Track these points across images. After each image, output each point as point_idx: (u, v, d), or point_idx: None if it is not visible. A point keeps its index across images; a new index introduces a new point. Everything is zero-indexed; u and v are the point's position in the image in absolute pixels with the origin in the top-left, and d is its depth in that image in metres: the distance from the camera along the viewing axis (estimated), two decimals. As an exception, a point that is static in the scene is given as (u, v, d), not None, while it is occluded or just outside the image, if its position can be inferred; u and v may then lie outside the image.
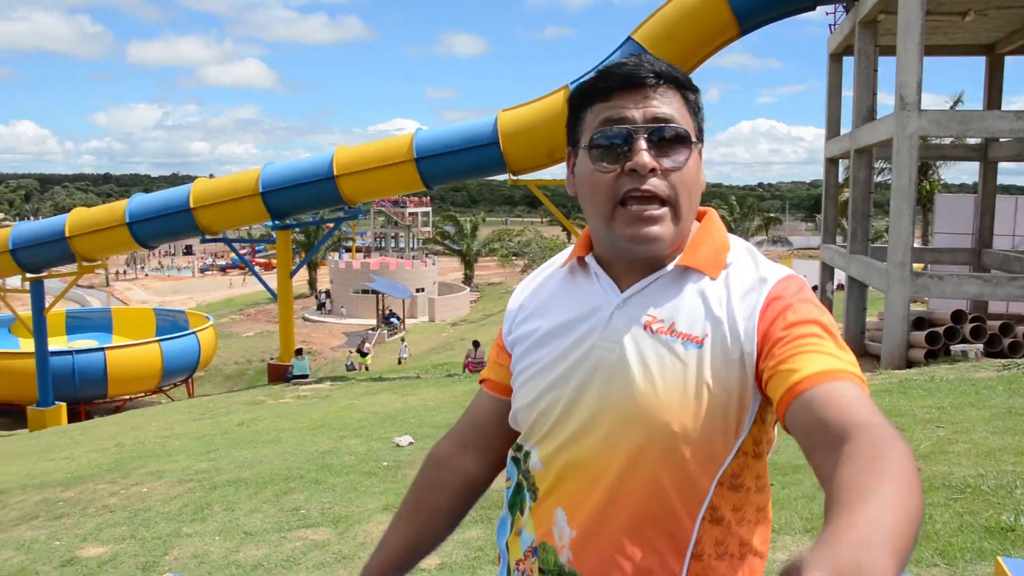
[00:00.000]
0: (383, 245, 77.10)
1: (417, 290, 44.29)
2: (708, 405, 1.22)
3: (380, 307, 40.67)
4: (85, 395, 24.44)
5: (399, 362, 27.78)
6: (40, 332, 20.76)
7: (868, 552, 0.77)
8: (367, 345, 29.64)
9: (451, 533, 1.58)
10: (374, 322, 40.23)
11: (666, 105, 1.26)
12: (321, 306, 46.72)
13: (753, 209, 53.65)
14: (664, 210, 1.25)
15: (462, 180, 21.17)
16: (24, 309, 23.20)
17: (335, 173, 18.34)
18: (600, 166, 1.26)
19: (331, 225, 26.82)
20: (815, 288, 31.42)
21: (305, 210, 21.42)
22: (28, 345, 23.31)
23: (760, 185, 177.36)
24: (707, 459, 1.23)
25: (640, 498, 1.25)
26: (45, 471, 9.71)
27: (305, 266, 49.34)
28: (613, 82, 1.26)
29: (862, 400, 1.05)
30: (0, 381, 23.99)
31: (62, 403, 21.25)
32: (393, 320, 40.01)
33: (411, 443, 8.16)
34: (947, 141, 24.12)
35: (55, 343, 24.45)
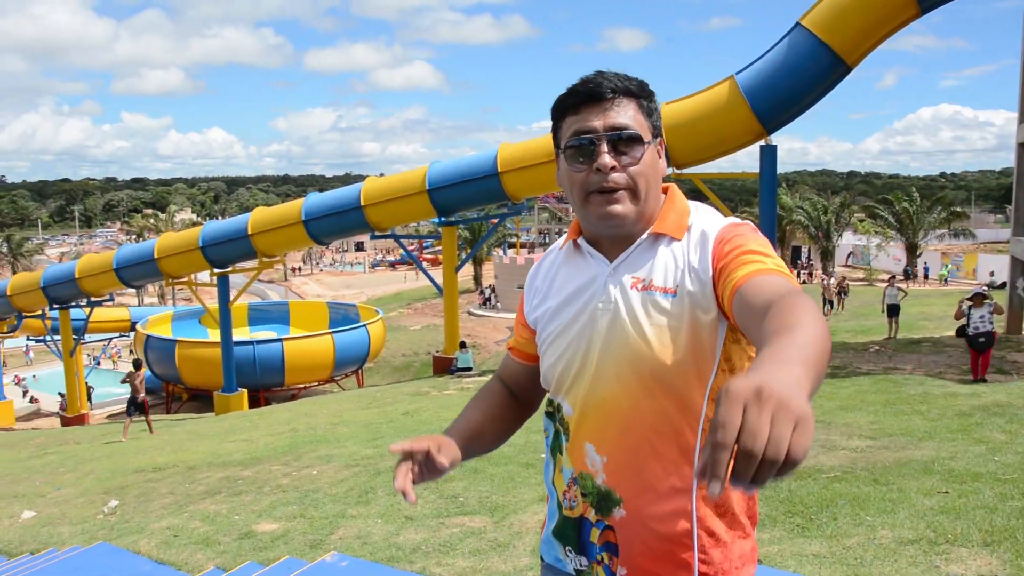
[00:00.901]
0: (547, 241, 77.71)
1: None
2: (688, 339, 1.54)
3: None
4: (264, 382, 25.98)
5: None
6: (225, 323, 22.20)
7: (784, 366, 1.03)
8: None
9: (503, 440, 1.93)
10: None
11: (623, 114, 1.59)
12: (486, 301, 47.57)
13: (941, 201, 50.24)
14: (623, 192, 1.58)
15: (469, 208, 21.36)
16: (212, 302, 24.90)
17: (499, 170, 18.60)
18: (574, 167, 1.61)
19: (495, 221, 27.22)
20: (1002, 285, 29.21)
21: (470, 206, 21.85)
22: (215, 335, 24.97)
23: (943, 175, 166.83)
24: (695, 381, 1.55)
25: (650, 421, 1.57)
26: (228, 451, 10.39)
27: (470, 261, 50.43)
28: (579, 98, 1.61)
29: (783, 283, 1.38)
30: (192, 368, 25.86)
31: (244, 390, 22.66)
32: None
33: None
34: None
35: (238, 334, 26.07)
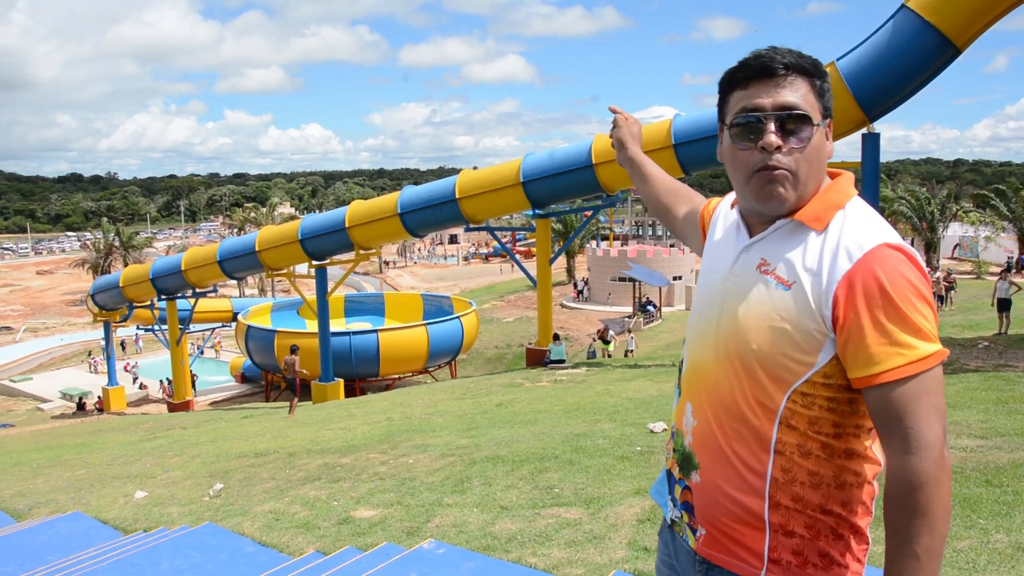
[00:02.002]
0: (640, 233, 77.05)
1: (674, 278, 43.79)
2: (782, 335, 1.53)
3: (637, 295, 40.66)
4: (360, 373, 26.49)
5: (625, 355, 27.26)
6: (323, 314, 22.70)
7: None
8: (610, 332, 29.36)
9: (641, 191, 2.28)
10: (631, 310, 40.31)
11: (794, 93, 1.56)
12: (579, 293, 47.45)
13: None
14: (784, 172, 1.56)
15: (719, 166, 20.60)
16: (310, 294, 25.51)
17: (593, 162, 18.47)
18: (738, 144, 1.60)
19: (589, 213, 27.10)
20: None
21: (564, 198, 21.77)
22: (313, 326, 25.58)
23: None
24: (778, 378, 1.55)
25: (729, 399, 1.61)
26: (326, 439, 10.61)
27: (563, 254, 50.37)
28: (750, 72, 1.59)
29: (915, 407, 1.42)
30: (291, 358, 26.56)
31: (340, 379, 23.13)
32: (650, 308, 39.84)
33: (664, 429, 8.06)
34: None
35: (335, 325, 26.63)
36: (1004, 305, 18.62)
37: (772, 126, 1.54)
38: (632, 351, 27.63)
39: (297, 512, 6.29)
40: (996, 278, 20.49)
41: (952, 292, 28.05)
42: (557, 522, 5.11)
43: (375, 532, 5.40)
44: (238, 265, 24.51)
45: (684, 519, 1.72)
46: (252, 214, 72.41)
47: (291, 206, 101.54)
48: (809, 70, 1.58)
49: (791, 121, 1.54)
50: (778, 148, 1.54)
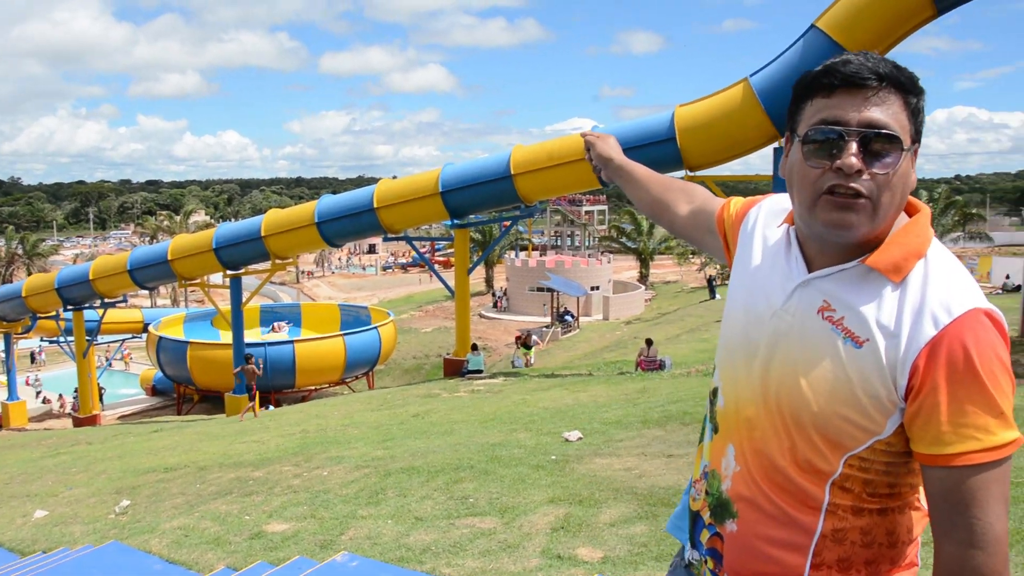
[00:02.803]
0: (559, 243, 77.71)
1: (592, 288, 44.27)
2: (848, 401, 1.35)
3: (555, 305, 40.98)
4: (276, 384, 26.08)
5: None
6: (238, 325, 22.27)
7: None
8: (533, 337, 29.33)
9: (645, 200, 2.08)
10: (548, 320, 40.60)
11: (883, 110, 1.34)
12: (497, 303, 47.59)
13: (955, 204, 50.03)
14: (864, 201, 1.33)
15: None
16: (224, 304, 25.00)
17: (512, 172, 18.57)
18: (811, 161, 1.37)
19: (508, 224, 27.22)
20: (1018, 288, 28.96)
21: (482, 209, 21.83)
22: (227, 337, 25.04)
23: (957, 177, 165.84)
24: (836, 443, 1.38)
25: (776, 454, 1.44)
26: (239, 452, 10.41)
27: (482, 264, 50.47)
28: (835, 79, 1.35)
29: (984, 498, 1.26)
30: (203, 369, 25.97)
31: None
32: (567, 318, 40.20)
33: (580, 438, 8.16)
34: None
35: (250, 336, 26.17)
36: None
37: (855, 145, 1.33)
38: (531, 363, 27.33)
39: (207, 528, 6.17)
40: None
41: None
42: (472, 532, 5.13)
43: (287, 546, 5.33)
44: (150, 275, 23.85)
45: (707, 564, 1.59)
46: (165, 222, 70.62)
47: (206, 214, 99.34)
48: (906, 85, 1.36)
49: (878, 141, 1.33)
50: (858, 172, 1.33)
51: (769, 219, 1.62)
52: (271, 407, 19.50)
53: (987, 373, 1.26)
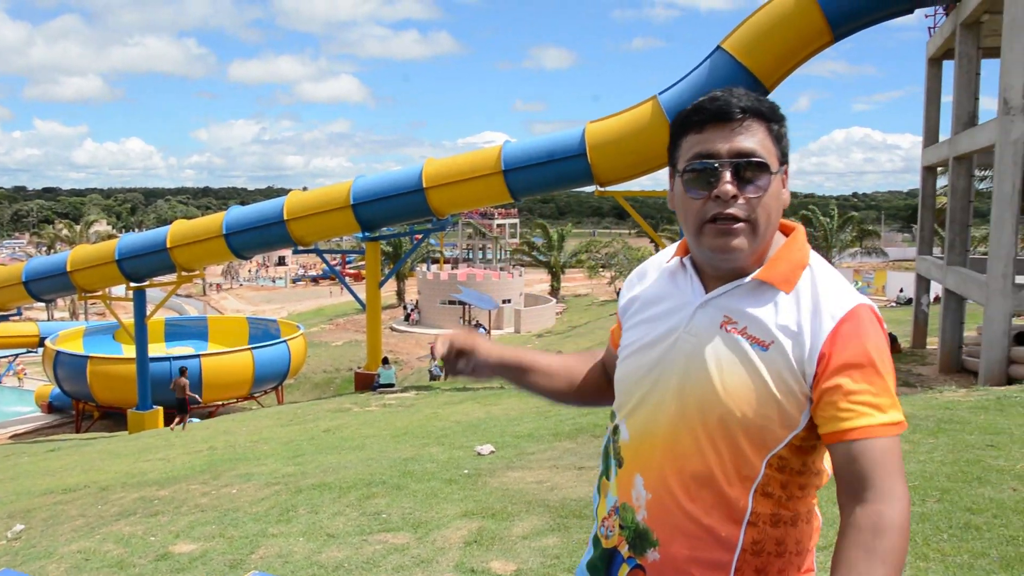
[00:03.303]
0: (471, 256, 77.79)
1: (503, 301, 44.47)
2: (766, 399, 1.45)
3: (466, 318, 41.01)
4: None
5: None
6: (142, 339, 21.63)
7: None
8: None
9: (566, 398, 1.94)
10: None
11: (750, 139, 1.48)
12: (408, 316, 47.36)
13: (852, 220, 52.13)
14: (742, 225, 1.47)
15: (549, 192, 21.19)
16: (127, 317, 24.23)
17: (424, 185, 18.60)
18: (692, 192, 1.50)
19: (419, 237, 27.19)
20: (909, 301, 30.38)
21: (394, 222, 21.78)
22: (130, 351, 24.27)
23: (855, 195, 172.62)
24: (760, 444, 1.47)
25: (701, 470, 1.49)
26: (143, 471, 10.12)
27: (393, 277, 50.12)
28: (705, 116, 1.49)
29: (886, 462, 1.38)
30: (104, 385, 25.07)
31: (159, 407, 22.07)
32: (480, 331, 40.29)
33: (492, 452, 8.21)
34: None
35: (154, 350, 25.41)
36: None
37: (728, 174, 1.46)
38: (439, 374, 27.01)
39: (110, 550, 5.98)
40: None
41: None
42: (385, 548, 5.12)
43: (195, 567, 5.22)
44: (47, 287, 22.95)
45: None
46: (64, 231, 68.00)
47: (108, 224, 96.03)
48: (767, 114, 1.50)
49: (748, 168, 1.46)
50: (734, 197, 1.46)
51: (647, 272, 1.75)
52: (194, 420, 19.10)
53: (879, 359, 1.42)
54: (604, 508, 1.66)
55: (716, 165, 1.47)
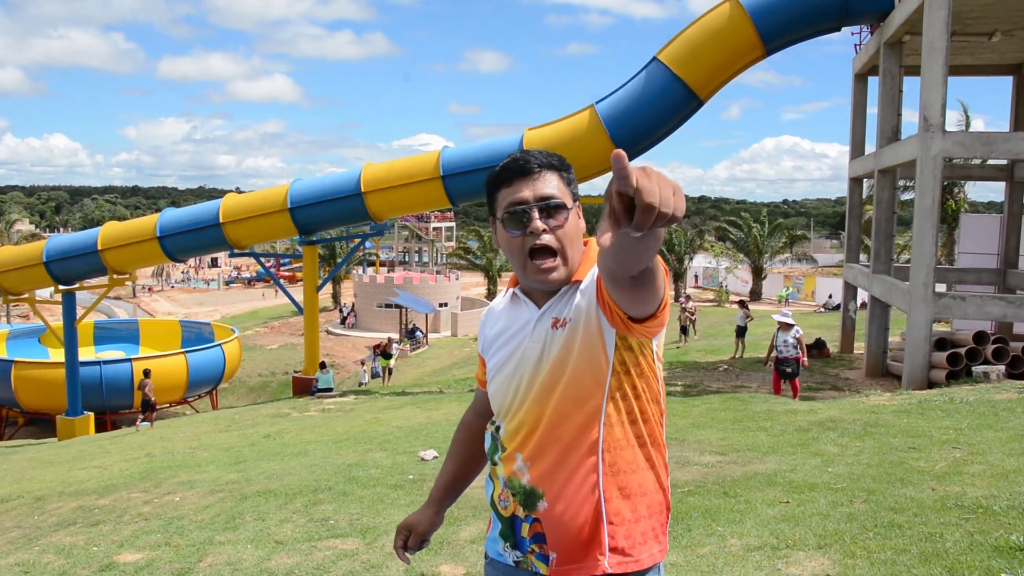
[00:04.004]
0: (407, 259, 77.54)
1: (440, 305, 44.47)
2: (585, 356, 1.89)
3: (403, 321, 40.93)
4: (112, 405, 24.82)
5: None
6: (71, 343, 21.13)
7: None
8: (394, 346, 28.28)
9: (481, 469, 2.31)
10: (397, 336, 40.48)
11: (549, 185, 1.92)
12: (344, 319, 47.03)
13: (782, 227, 53.33)
14: (557, 260, 1.91)
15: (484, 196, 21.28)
16: (54, 320, 23.64)
17: (362, 190, 18.58)
18: (511, 232, 1.92)
19: (357, 240, 27.03)
20: (838, 307, 31.32)
21: (333, 226, 21.67)
22: (57, 355, 23.68)
23: (785, 202, 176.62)
24: (594, 385, 1.90)
25: (564, 428, 1.92)
26: (79, 479, 9.96)
27: (330, 280, 49.66)
28: (511, 173, 1.94)
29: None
30: (30, 390, 24.43)
31: (90, 413, 21.59)
32: (417, 334, 40.22)
33: (435, 457, 8.32)
34: (974, 161, 24.06)
35: (83, 354, 24.84)
36: (740, 332, 20.62)
37: (536, 214, 1.88)
38: (365, 384, 26.56)
39: (51, 562, 5.92)
40: (736, 307, 22.57)
41: (693, 323, 28.87)
42: (334, 554, 5.21)
43: (142, 576, 5.23)
44: (-32, 289, 22.30)
45: (534, 551, 1.95)
46: (-17, 231, 65.81)
47: (31, 223, 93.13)
48: (557, 166, 1.96)
49: (550, 208, 1.89)
50: (544, 231, 1.89)
51: (492, 311, 2.17)
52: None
53: None
54: (497, 488, 2.02)
55: (526, 208, 1.89)
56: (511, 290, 2.10)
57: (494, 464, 2.06)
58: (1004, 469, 5.94)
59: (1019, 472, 5.83)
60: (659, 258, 1.61)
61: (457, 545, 5.13)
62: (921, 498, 5.29)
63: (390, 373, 25.84)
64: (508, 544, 2.01)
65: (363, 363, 27.91)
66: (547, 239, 1.90)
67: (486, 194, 2.03)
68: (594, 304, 1.88)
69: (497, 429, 2.06)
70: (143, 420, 19.26)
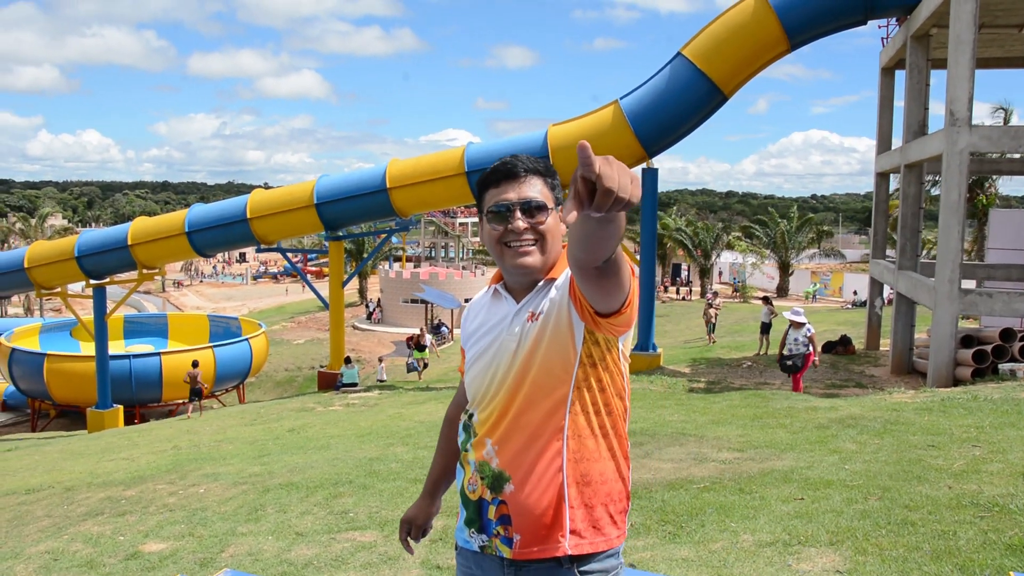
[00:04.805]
0: (433, 255, 77.77)
1: (465, 300, 44.43)
2: (555, 347, 2.01)
3: (429, 317, 41.09)
4: (141, 398, 25.14)
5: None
6: (101, 337, 21.46)
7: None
8: (427, 337, 27.27)
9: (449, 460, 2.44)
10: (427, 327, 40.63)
11: (533, 189, 2.05)
12: (371, 315, 47.30)
13: (810, 222, 52.85)
14: (535, 245, 2.04)
15: None
16: (85, 314, 24.00)
17: (388, 186, 18.70)
18: (493, 227, 2.06)
19: (383, 236, 27.18)
20: (864, 303, 31.07)
21: (358, 221, 21.82)
22: (87, 349, 24.01)
23: (813, 197, 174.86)
24: (563, 375, 2.02)
25: (531, 415, 2.03)
26: (107, 471, 10.15)
27: (356, 275, 49.95)
28: (499, 176, 2.07)
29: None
30: (61, 383, 24.81)
31: (119, 406, 21.91)
32: (442, 329, 40.37)
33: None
34: (1010, 155, 23.75)
35: (113, 347, 25.19)
36: (765, 328, 20.52)
37: (518, 214, 2.02)
38: (384, 379, 25.65)
39: (79, 550, 6.07)
40: (761, 303, 22.44)
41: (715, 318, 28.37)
42: (353, 546, 5.30)
43: (166, 566, 5.35)
44: (3, 283, 22.70)
45: (499, 534, 2.06)
46: (19, 225, 66.87)
47: (64, 218, 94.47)
48: (542, 171, 2.09)
49: (532, 208, 2.03)
50: (525, 229, 2.03)
51: (474, 306, 2.29)
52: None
53: None
54: (468, 472, 2.13)
55: (510, 206, 2.03)
56: (494, 286, 2.22)
57: (465, 451, 2.17)
58: (1023, 468, 5.91)
59: (1038, 471, 5.80)
60: (626, 258, 1.77)
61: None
62: (937, 496, 5.29)
63: (426, 366, 25.40)
64: (474, 529, 2.12)
65: (381, 360, 27.74)
66: (527, 236, 2.04)
67: (476, 193, 2.16)
68: (566, 298, 1.99)
69: (470, 417, 2.17)
70: (194, 409, 20.23)
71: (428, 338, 27.25)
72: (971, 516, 4.79)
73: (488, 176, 2.11)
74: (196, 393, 20.52)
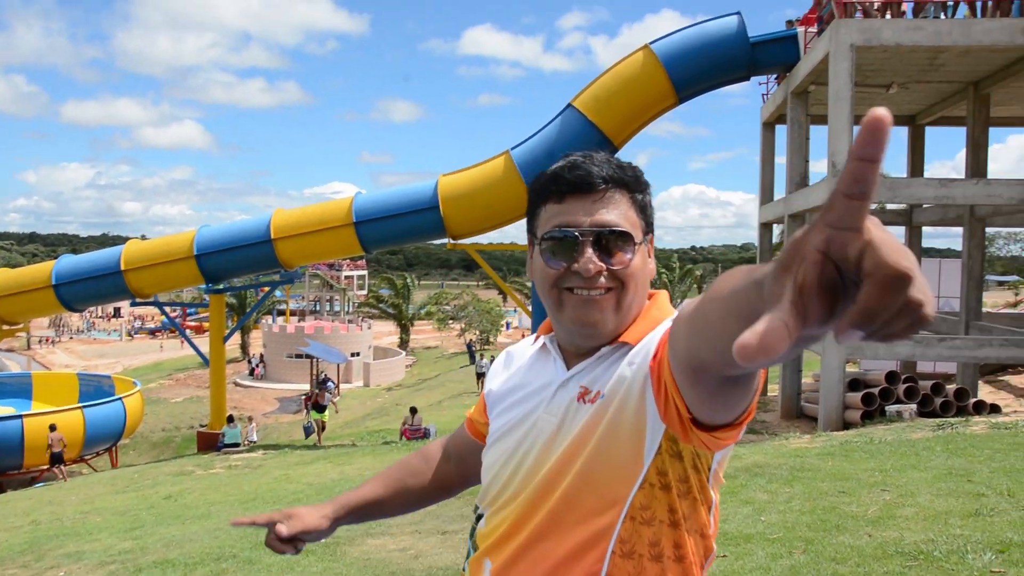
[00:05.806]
0: (318, 308, 76.22)
1: (352, 354, 43.58)
2: (611, 451, 1.32)
3: (314, 372, 39.94)
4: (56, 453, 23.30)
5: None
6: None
7: None
8: (327, 396, 25.51)
9: (404, 513, 1.88)
10: (308, 387, 39.46)
11: (612, 210, 1.37)
12: (253, 371, 45.68)
13: (690, 273, 54.41)
14: (606, 295, 1.36)
15: (402, 244, 21.01)
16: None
17: (272, 236, 18.09)
18: (550, 263, 1.37)
19: (266, 289, 26.31)
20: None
21: (241, 273, 21.04)
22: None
23: (692, 248, 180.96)
24: (611, 495, 1.32)
25: (553, 547, 1.35)
26: (-47, 551, 9.10)
27: (238, 330, 48.32)
28: (564, 186, 1.38)
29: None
30: (-91, 451, 22.75)
31: (-24, 475, 20.22)
32: (328, 385, 39.26)
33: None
34: (874, 207, 24.82)
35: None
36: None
37: (590, 249, 1.35)
38: (253, 441, 23.92)
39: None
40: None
41: None
42: (237, 631, 4.73)
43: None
44: None
45: None
46: None
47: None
48: (630, 184, 1.41)
49: (611, 240, 1.35)
50: (598, 272, 1.35)
51: (513, 357, 1.65)
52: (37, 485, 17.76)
53: None
54: None
55: (577, 234, 1.35)
56: (543, 337, 1.55)
57: (463, 571, 1.57)
58: (936, 511, 5.84)
59: (950, 514, 5.73)
60: None
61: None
62: (860, 546, 5.11)
63: (323, 428, 23.54)
64: None
65: (251, 419, 26.34)
66: (600, 281, 1.36)
67: (527, 204, 1.48)
68: (646, 383, 1.30)
69: (478, 519, 1.53)
70: (59, 475, 19.63)
71: (328, 397, 25.56)
72: (899, 566, 4.61)
73: (547, 183, 1.41)
74: (57, 458, 19.79)
